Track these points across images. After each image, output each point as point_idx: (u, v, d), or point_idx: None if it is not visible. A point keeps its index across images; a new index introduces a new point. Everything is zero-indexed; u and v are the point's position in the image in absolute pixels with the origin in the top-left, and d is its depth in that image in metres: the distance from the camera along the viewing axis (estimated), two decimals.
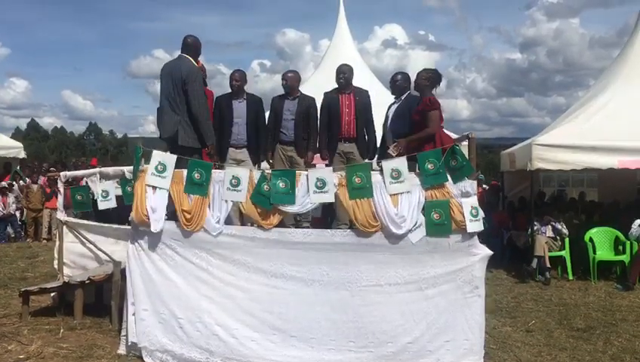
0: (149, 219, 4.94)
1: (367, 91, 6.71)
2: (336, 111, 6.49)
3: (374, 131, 6.64)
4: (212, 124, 6.04)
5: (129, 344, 5.00)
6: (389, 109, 6.50)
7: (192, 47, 5.97)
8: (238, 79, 6.59)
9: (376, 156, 6.42)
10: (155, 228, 4.95)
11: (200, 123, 5.76)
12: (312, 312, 4.87)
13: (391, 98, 6.66)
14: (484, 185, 14.40)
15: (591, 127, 9.05)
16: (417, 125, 5.69)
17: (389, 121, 6.38)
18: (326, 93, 6.66)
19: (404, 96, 6.34)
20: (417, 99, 5.98)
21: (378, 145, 6.63)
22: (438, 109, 5.64)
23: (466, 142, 5.29)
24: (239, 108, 6.55)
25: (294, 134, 6.53)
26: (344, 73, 6.53)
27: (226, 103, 6.57)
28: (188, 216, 4.94)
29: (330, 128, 6.54)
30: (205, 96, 6.02)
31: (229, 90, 6.66)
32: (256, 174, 5.06)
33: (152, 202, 4.99)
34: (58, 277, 6.66)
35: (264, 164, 6.72)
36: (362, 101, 6.52)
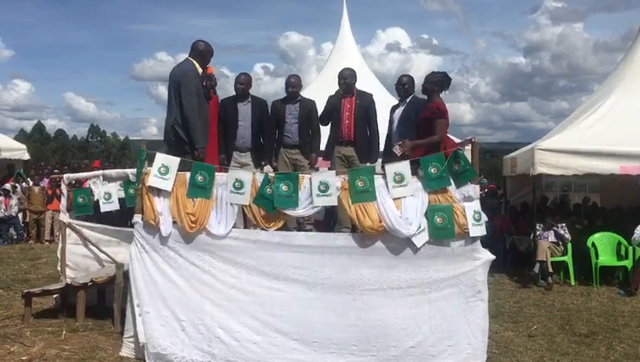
0: (156, 222, 4.97)
1: (370, 94, 6.71)
2: (337, 114, 6.51)
3: (377, 134, 6.62)
4: (205, 129, 5.87)
5: (141, 345, 4.98)
6: (393, 112, 6.51)
7: (196, 50, 5.95)
8: (243, 82, 6.58)
9: (380, 159, 6.41)
10: (164, 231, 4.98)
11: (189, 125, 5.68)
12: (315, 315, 4.87)
13: (393, 101, 6.65)
14: (485, 189, 14.38)
15: (594, 133, 9.05)
16: (423, 131, 5.69)
17: (394, 125, 6.38)
18: (330, 97, 6.67)
19: (409, 99, 6.35)
20: (423, 102, 5.98)
21: (381, 148, 6.62)
22: (445, 118, 5.62)
23: (469, 147, 5.30)
24: (244, 111, 6.54)
25: (298, 138, 6.54)
26: (345, 78, 6.54)
27: (231, 106, 6.57)
28: (193, 219, 4.95)
29: (331, 131, 6.56)
30: (203, 101, 5.87)
31: (233, 93, 6.66)
32: (260, 177, 5.07)
33: (159, 205, 5.02)
34: (60, 279, 6.66)
35: (267, 168, 6.71)
36: (363, 104, 6.52)
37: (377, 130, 6.62)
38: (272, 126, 6.66)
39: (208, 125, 6.01)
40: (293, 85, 6.58)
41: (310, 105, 6.64)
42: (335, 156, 6.54)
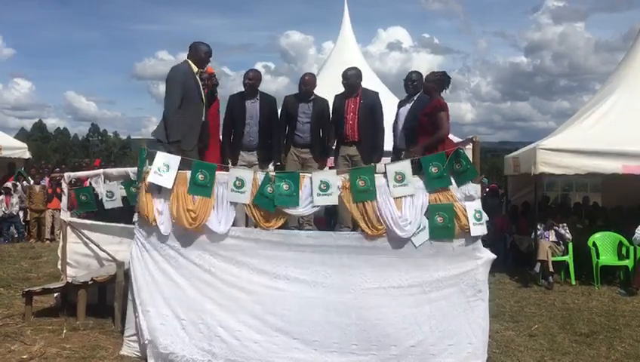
0: (156, 221, 4.97)
1: (376, 93, 6.63)
2: (341, 114, 6.48)
3: (383, 132, 6.50)
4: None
5: (143, 343, 4.98)
6: (399, 109, 6.47)
7: (192, 51, 5.88)
8: (252, 78, 6.46)
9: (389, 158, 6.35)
10: (164, 230, 4.98)
11: (166, 120, 5.60)
12: (315, 314, 4.87)
13: (395, 100, 6.62)
14: (487, 189, 14.36)
15: (596, 132, 9.04)
16: (424, 126, 5.69)
17: (400, 122, 6.36)
18: (336, 96, 6.63)
19: (417, 96, 6.31)
20: (427, 100, 5.97)
21: (385, 147, 6.58)
22: (445, 110, 5.62)
23: (470, 146, 5.28)
24: (252, 108, 6.45)
25: (310, 137, 6.47)
26: (347, 79, 6.46)
27: (239, 103, 6.47)
28: (193, 215, 4.95)
29: (336, 131, 6.53)
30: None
31: (241, 90, 6.57)
32: (260, 176, 5.07)
33: (159, 204, 5.01)
34: (61, 278, 6.66)
35: (271, 165, 6.66)
36: (367, 103, 6.45)
37: (383, 128, 6.52)
38: (281, 124, 6.59)
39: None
40: (307, 83, 6.44)
41: (323, 104, 6.54)
42: (340, 156, 6.52)
